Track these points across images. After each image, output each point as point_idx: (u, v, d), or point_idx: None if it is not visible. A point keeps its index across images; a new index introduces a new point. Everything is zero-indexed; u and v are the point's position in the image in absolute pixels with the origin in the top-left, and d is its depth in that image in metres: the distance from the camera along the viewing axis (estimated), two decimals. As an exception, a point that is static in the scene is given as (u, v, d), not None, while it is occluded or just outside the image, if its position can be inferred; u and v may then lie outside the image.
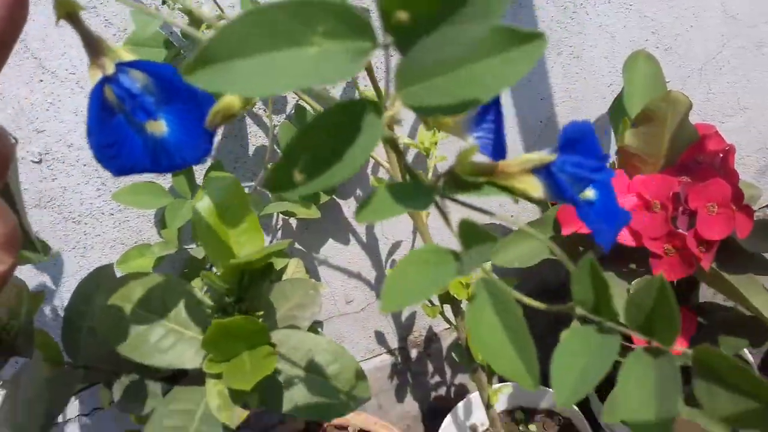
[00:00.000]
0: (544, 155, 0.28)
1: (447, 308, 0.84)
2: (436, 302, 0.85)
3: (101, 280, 0.62)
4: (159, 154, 0.28)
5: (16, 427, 0.53)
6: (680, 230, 0.72)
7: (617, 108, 0.80)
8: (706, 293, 1.04)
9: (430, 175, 0.79)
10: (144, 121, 0.27)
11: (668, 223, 0.72)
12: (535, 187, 0.28)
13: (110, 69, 0.26)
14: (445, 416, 1.02)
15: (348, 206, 0.87)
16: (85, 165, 0.72)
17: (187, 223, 0.70)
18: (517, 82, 0.22)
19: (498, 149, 0.29)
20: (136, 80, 0.26)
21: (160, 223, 0.75)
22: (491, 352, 0.27)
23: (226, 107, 0.27)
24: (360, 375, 0.62)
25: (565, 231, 0.76)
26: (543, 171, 0.27)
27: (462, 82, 0.22)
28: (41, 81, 0.66)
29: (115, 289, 0.58)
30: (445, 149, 0.82)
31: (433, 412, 1.13)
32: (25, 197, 0.72)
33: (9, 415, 0.55)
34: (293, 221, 0.85)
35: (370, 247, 0.92)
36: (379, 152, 0.73)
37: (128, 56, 0.27)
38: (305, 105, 0.75)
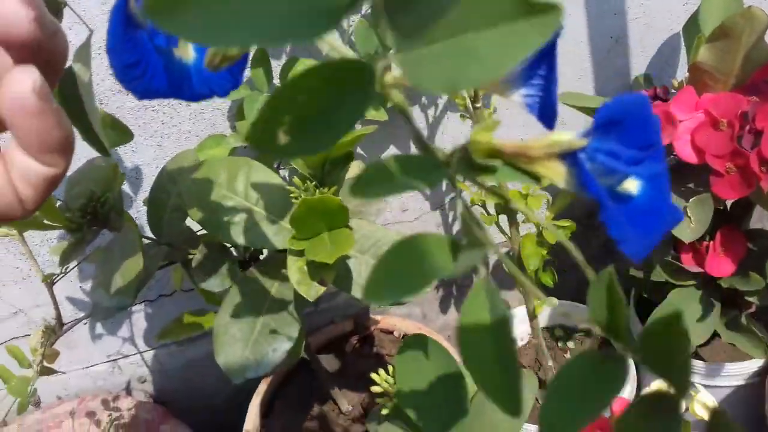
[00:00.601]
0: (574, 138, 0.24)
1: (502, 219, 0.87)
2: (492, 211, 0.87)
3: (186, 162, 0.65)
4: (184, 80, 0.26)
5: (111, 288, 0.57)
6: (744, 149, 0.73)
7: (692, 25, 0.79)
8: (756, 222, 1.04)
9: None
10: (171, 45, 0.25)
11: (733, 142, 0.72)
12: (561, 174, 0.24)
13: None
14: (487, 328, 1.05)
15: (413, 113, 0.89)
16: (165, 55, 0.74)
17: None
18: (521, 60, 0.19)
19: (547, 111, 0.25)
20: None
21: (236, 115, 0.77)
22: (475, 358, 0.23)
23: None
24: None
25: (629, 146, 0.76)
26: (570, 157, 0.23)
27: (459, 54, 0.19)
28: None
29: (201, 170, 0.61)
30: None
31: (475, 324, 1.17)
32: (107, 83, 0.75)
33: (103, 279, 0.59)
34: (357, 124, 0.87)
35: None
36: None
37: None
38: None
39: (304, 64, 0.58)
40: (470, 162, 0.24)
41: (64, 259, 0.59)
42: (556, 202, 0.87)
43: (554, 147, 0.24)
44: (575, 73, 0.90)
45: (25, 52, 0.23)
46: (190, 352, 1.06)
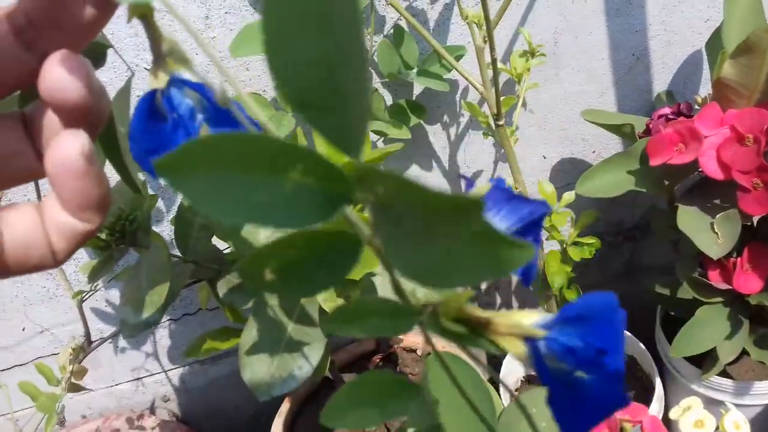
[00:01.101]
0: (535, 327, 0.25)
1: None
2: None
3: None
4: None
5: (139, 306, 0.57)
6: (772, 165, 0.72)
7: (715, 40, 0.79)
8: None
9: (520, 101, 0.80)
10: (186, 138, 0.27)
11: (759, 157, 0.72)
12: (521, 354, 0.25)
13: (162, 82, 0.25)
14: (510, 347, 1.05)
15: (434, 132, 0.89)
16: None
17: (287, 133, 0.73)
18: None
19: (528, 273, 0.28)
20: (187, 98, 0.26)
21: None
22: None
23: None
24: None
25: (654, 162, 0.76)
26: (530, 341, 0.25)
27: (443, 260, 0.20)
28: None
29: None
30: (538, 76, 0.82)
31: (498, 343, 1.16)
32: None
33: (131, 297, 0.60)
34: (380, 142, 0.87)
35: (452, 175, 0.94)
36: (474, 74, 0.75)
37: (184, 73, 0.26)
38: (403, 25, 0.76)
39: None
40: (438, 322, 0.25)
41: (93, 277, 0.60)
42: (581, 219, 0.86)
43: (516, 329, 0.25)
44: (597, 90, 0.90)
45: (73, 115, 0.24)
46: (214, 371, 1.06)
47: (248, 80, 0.78)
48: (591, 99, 0.91)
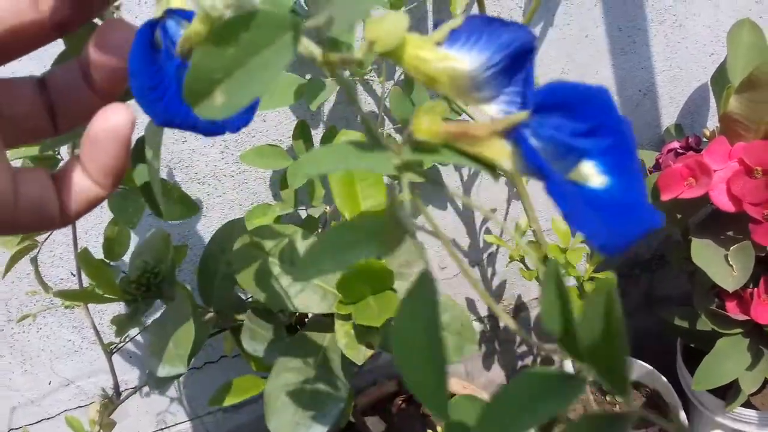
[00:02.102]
0: (518, 114, 0.22)
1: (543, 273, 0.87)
2: (533, 267, 0.88)
3: (235, 231, 0.68)
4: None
5: (166, 357, 0.59)
6: (782, 197, 0.73)
7: (720, 76, 0.81)
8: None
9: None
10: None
11: (770, 189, 0.73)
12: (506, 154, 0.22)
13: (159, 13, 0.25)
14: (532, 384, 1.04)
15: (447, 173, 0.91)
16: (210, 130, 0.78)
17: (302, 184, 0.75)
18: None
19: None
20: (183, 29, 0.25)
21: (279, 184, 0.80)
22: (408, 358, 0.22)
23: (195, 34, 0.24)
24: (468, 326, 0.66)
25: (665, 197, 0.77)
26: (514, 134, 0.22)
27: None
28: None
29: (249, 239, 0.63)
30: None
31: (519, 380, 1.16)
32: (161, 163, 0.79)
33: (157, 348, 0.61)
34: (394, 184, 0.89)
35: (466, 214, 0.96)
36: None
37: (182, 4, 0.26)
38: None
39: (345, 134, 0.61)
40: (414, 143, 0.23)
41: (121, 330, 0.62)
42: (596, 254, 0.87)
43: (497, 125, 0.22)
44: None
45: (117, 76, 0.26)
46: (236, 419, 1.07)
47: (265, 131, 0.81)
48: (600, 135, 0.92)
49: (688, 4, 0.84)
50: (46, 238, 0.68)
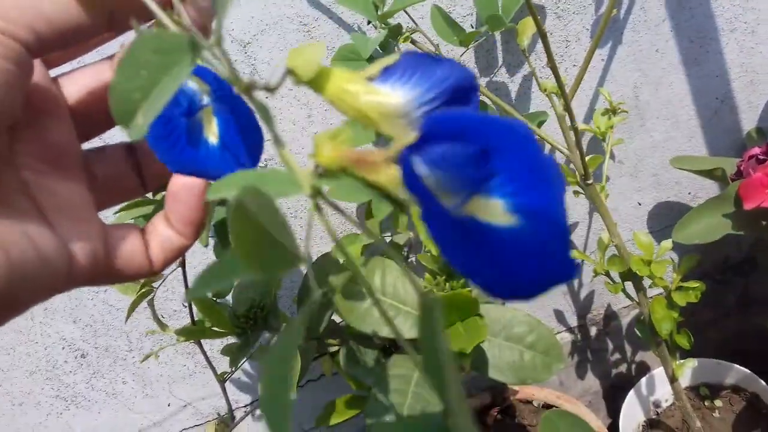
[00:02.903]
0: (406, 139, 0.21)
1: (628, 285, 0.88)
2: (618, 279, 0.89)
3: (327, 263, 0.73)
4: (209, 159, 0.28)
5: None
6: None
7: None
8: None
9: (607, 158, 0.84)
10: (201, 127, 0.28)
11: None
12: (395, 180, 0.21)
13: None
14: (627, 393, 1.05)
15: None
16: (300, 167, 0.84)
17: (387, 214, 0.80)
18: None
19: None
20: (191, 83, 0.27)
21: (364, 214, 0.85)
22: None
23: None
24: (555, 344, 0.68)
25: (747, 206, 0.77)
26: (400, 159, 0.21)
27: None
28: (267, 98, 0.79)
29: (342, 271, 0.69)
30: (623, 128, 0.85)
31: (615, 389, 1.16)
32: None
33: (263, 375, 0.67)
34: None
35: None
36: (558, 138, 0.79)
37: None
38: (486, 100, 0.82)
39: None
40: (317, 169, 0.22)
41: (234, 360, 0.68)
42: (683, 263, 0.87)
43: (390, 151, 0.21)
44: (685, 135, 0.92)
45: None
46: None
47: (350, 165, 0.86)
48: (680, 144, 0.92)
49: (758, 12, 0.83)
50: (161, 283, 0.75)
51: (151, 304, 0.71)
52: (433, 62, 0.23)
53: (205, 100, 0.27)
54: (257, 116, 0.24)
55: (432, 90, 0.23)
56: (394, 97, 0.23)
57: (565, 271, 0.20)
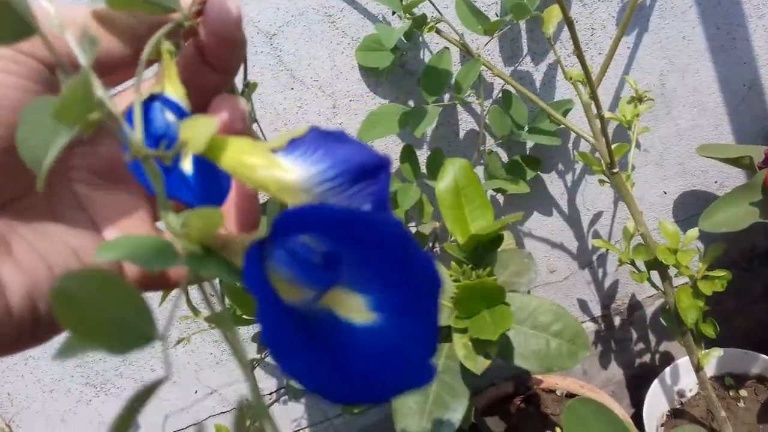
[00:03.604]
0: (258, 233, 0.21)
1: (654, 274, 0.88)
2: (643, 268, 0.89)
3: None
4: (183, 187, 0.27)
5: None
6: None
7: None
8: None
9: (632, 146, 0.83)
10: (177, 161, 0.27)
11: None
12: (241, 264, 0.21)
13: (146, 95, 0.26)
14: (650, 382, 1.05)
15: (551, 180, 0.93)
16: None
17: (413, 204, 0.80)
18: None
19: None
20: (161, 112, 0.27)
21: (390, 203, 0.86)
22: None
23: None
24: (581, 333, 0.68)
25: (777, 193, 0.76)
26: (246, 252, 0.20)
27: None
28: (292, 89, 0.79)
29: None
30: (649, 116, 0.85)
31: (638, 379, 1.16)
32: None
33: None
34: (500, 197, 0.92)
35: (572, 218, 0.98)
36: (584, 126, 0.79)
37: (170, 92, 0.27)
38: (511, 89, 0.82)
39: (452, 163, 0.65)
40: (188, 248, 0.22)
41: (262, 348, 0.69)
42: (709, 252, 0.87)
43: (245, 240, 0.21)
44: (712, 123, 0.91)
45: (232, 47, 0.29)
46: (364, 420, 1.13)
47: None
48: (706, 132, 0.92)
49: (789, -3, 0.82)
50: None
51: (185, 290, 0.73)
52: (338, 141, 0.22)
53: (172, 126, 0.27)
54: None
55: (333, 168, 0.22)
56: (294, 172, 0.23)
57: (421, 376, 0.19)
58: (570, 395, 1.06)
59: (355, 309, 0.20)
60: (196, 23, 0.28)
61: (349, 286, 0.20)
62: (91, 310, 0.18)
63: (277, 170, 0.23)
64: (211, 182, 0.27)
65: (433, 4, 0.75)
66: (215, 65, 0.29)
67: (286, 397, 1.06)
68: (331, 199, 0.22)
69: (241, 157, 0.23)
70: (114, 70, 0.26)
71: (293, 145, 0.23)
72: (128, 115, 0.23)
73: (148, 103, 0.26)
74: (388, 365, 0.19)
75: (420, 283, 0.19)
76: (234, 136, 0.24)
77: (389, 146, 0.86)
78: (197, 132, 0.23)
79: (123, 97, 0.30)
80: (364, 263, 0.19)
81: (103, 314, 0.18)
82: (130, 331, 0.19)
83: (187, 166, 0.26)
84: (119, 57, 0.26)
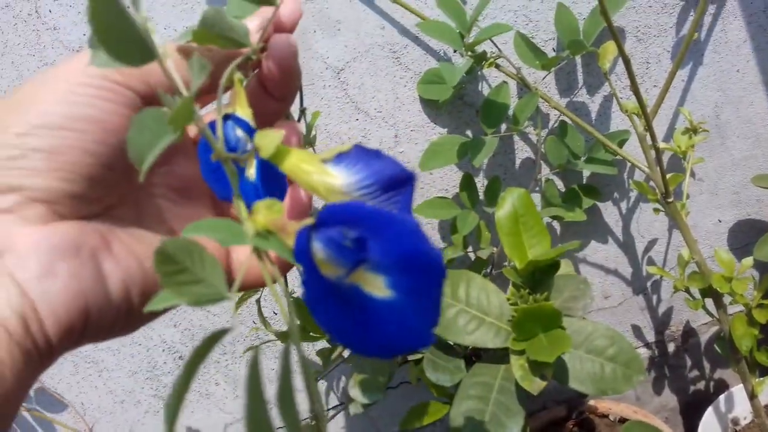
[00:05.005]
0: (307, 220, 0.26)
1: (708, 302, 0.89)
2: (698, 296, 0.90)
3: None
4: (249, 191, 0.32)
5: (367, 386, 0.69)
6: None
7: None
8: None
9: (687, 176, 0.85)
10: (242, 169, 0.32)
11: None
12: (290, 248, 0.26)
13: (222, 114, 0.30)
14: (704, 410, 1.05)
15: (606, 208, 0.96)
16: (386, 185, 0.88)
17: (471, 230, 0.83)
18: None
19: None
20: (234, 131, 0.32)
21: (450, 229, 0.89)
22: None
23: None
24: (636, 358, 0.70)
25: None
26: (298, 234, 0.25)
27: None
28: (357, 120, 0.84)
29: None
30: (703, 146, 0.87)
31: (692, 406, 1.16)
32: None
33: (360, 380, 0.72)
34: (556, 224, 0.95)
35: (627, 245, 0.99)
36: (638, 156, 0.81)
37: (240, 113, 0.32)
38: (567, 120, 0.85)
39: (511, 192, 0.69)
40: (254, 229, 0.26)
41: (326, 363, 0.73)
42: (764, 281, 0.88)
43: (298, 226, 0.25)
44: (766, 153, 0.92)
45: (290, 78, 0.34)
46: (417, 439, 1.16)
47: (432, 182, 0.90)
48: (760, 162, 0.93)
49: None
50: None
51: (258, 303, 0.77)
52: (374, 156, 0.28)
53: (249, 145, 0.32)
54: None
55: (369, 178, 0.28)
56: (339, 179, 0.28)
57: (424, 341, 0.25)
58: (623, 420, 1.07)
59: (377, 286, 0.25)
60: (260, 57, 0.33)
61: (373, 269, 0.25)
62: (181, 268, 0.23)
63: (327, 176, 0.28)
64: (270, 188, 0.32)
65: (493, 42, 0.79)
66: (275, 94, 0.34)
67: (341, 414, 1.09)
68: (367, 203, 0.28)
69: (299, 164, 0.28)
70: (199, 98, 0.31)
71: (339, 157, 0.28)
72: (211, 128, 0.29)
73: (224, 120, 0.31)
74: (398, 330, 0.25)
75: (428, 271, 0.24)
76: (295, 148, 0.29)
77: (448, 174, 0.89)
78: (268, 140, 0.28)
79: (204, 119, 0.35)
80: (385, 251, 0.25)
81: (189, 274, 0.23)
82: (208, 288, 0.24)
83: (251, 172, 0.32)
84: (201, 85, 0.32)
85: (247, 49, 0.32)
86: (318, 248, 0.25)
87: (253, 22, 0.32)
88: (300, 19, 0.34)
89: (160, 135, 0.24)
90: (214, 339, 0.22)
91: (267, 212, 0.26)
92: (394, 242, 0.24)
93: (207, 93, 0.31)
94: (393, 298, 0.25)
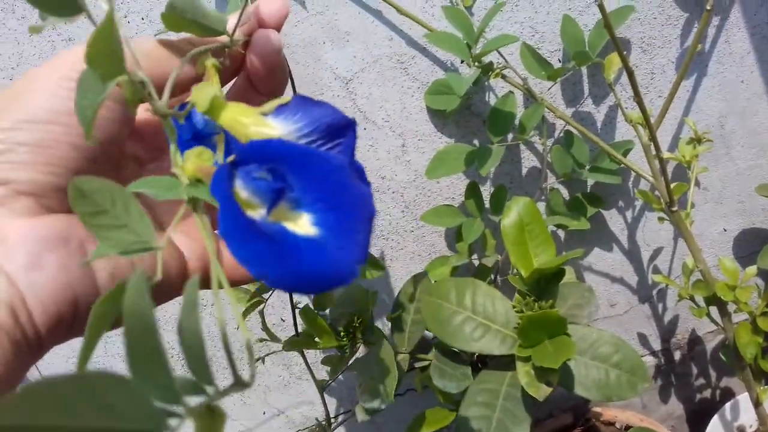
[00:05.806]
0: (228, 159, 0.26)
1: (713, 310, 0.90)
2: (703, 304, 0.91)
3: (419, 283, 0.78)
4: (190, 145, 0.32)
5: (374, 392, 0.70)
6: None
7: None
8: None
9: (692, 185, 0.86)
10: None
11: None
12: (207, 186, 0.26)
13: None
14: (711, 417, 1.05)
15: (611, 216, 0.96)
16: (393, 192, 0.90)
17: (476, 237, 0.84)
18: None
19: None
20: (203, 122, 0.32)
21: (455, 236, 0.90)
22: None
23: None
24: (640, 365, 0.71)
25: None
26: (215, 172, 0.25)
27: None
28: (365, 129, 0.85)
29: (434, 290, 0.74)
30: (708, 156, 0.87)
31: (698, 414, 1.16)
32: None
33: (365, 386, 0.73)
34: (560, 232, 0.96)
35: (632, 254, 1.00)
36: (642, 165, 0.82)
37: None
38: (573, 130, 0.86)
39: (516, 201, 0.70)
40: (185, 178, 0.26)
41: (334, 371, 0.74)
42: (768, 289, 0.88)
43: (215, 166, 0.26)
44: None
45: (275, 72, 0.35)
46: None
47: (439, 191, 0.91)
48: (765, 172, 0.94)
49: None
50: (270, 294, 0.82)
51: (261, 313, 0.78)
52: (314, 105, 0.29)
53: (218, 128, 0.32)
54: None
55: (309, 126, 0.28)
56: (277, 129, 0.28)
57: (348, 276, 0.24)
58: (629, 428, 1.07)
59: (301, 224, 0.25)
60: (242, 51, 0.34)
61: (297, 206, 0.25)
62: (100, 210, 0.24)
63: (265, 127, 0.28)
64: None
65: (500, 53, 0.80)
66: (262, 90, 0.35)
67: (361, 421, 1.10)
68: (312, 146, 0.28)
69: (237, 117, 0.28)
70: (187, 88, 0.32)
71: (279, 109, 0.29)
72: (181, 107, 0.30)
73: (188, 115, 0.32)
74: (321, 265, 0.24)
75: (355, 208, 0.25)
76: (232, 102, 0.30)
77: (455, 182, 0.90)
78: (203, 94, 0.29)
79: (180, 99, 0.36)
80: (310, 188, 0.25)
81: (110, 217, 0.24)
82: (132, 235, 0.24)
83: (220, 156, 0.31)
84: (188, 78, 0.32)
85: (224, 38, 0.32)
86: (239, 186, 0.25)
87: (234, 17, 0.33)
88: (286, 16, 0.34)
89: (99, 93, 0.25)
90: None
91: (196, 159, 0.26)
92: (318, 179, 0.25)
93: (194, 83, 0.32)
94: (318, 236, 0.25)
